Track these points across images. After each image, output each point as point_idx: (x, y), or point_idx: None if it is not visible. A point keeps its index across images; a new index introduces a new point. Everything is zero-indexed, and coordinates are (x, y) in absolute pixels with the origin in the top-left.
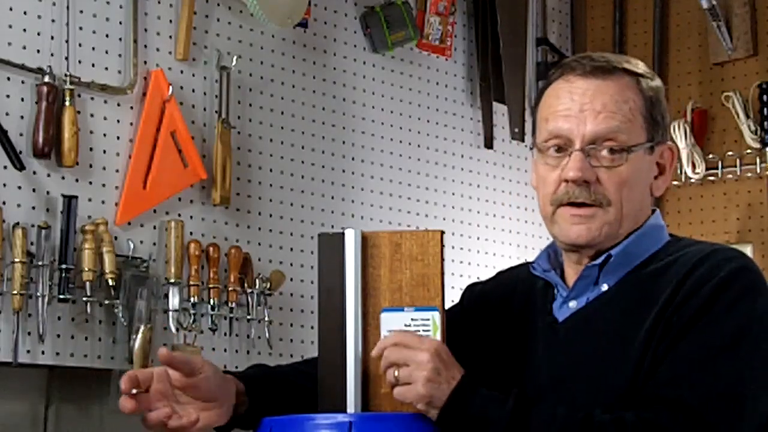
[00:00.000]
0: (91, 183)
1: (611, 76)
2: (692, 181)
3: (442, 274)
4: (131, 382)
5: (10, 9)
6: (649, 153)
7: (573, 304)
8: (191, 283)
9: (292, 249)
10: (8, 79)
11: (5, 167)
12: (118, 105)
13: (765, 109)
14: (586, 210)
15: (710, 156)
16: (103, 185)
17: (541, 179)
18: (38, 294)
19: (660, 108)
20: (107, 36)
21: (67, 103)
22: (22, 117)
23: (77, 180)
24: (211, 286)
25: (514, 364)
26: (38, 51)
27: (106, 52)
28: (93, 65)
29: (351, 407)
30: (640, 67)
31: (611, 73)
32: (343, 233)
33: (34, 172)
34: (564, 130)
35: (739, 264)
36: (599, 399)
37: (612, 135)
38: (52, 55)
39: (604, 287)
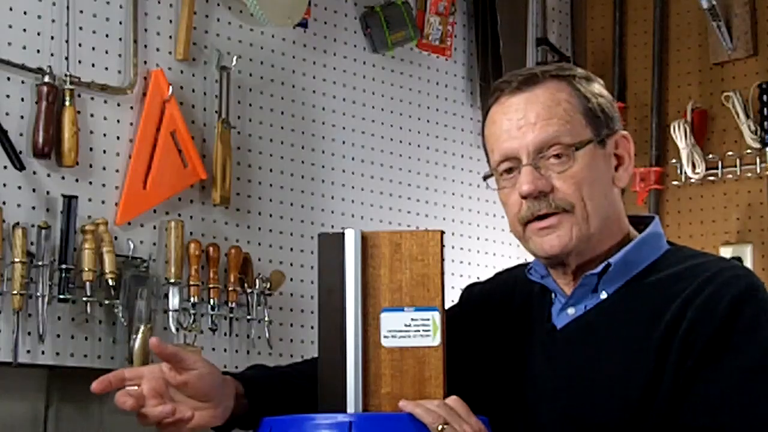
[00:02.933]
0: (91, 183)
1: (538, 85)
2: (692, 181)
3: (442, 274)
4: (102, 383)
5: (10, 9)
6: (600, 147)
7: (571, 311)
8: (191, 283)
9: (292, 249)
10: (8, 79)
11: (5, 167)
12: (118, 105)
13: (765, 109)
14: (551, 219)
15: (710, 156)
16: (103, 185)
17: (504, 204)
18: (38, 294)
19: (599, 102)
20: (107, 36)
21: (67, 103)
22: (22, 117)
23: (77, 180)
24: (211, 286)
25: (513, 369)
26: (38, 51)
27: (106, 52)
28: (93, 65)
29: (351, 407)
30: (575, 71)
31: (537, 82)
32: (343, 233)
33: (34, 172)
34: (509, 150)
35: (749, 282)
36: (603, 406)
37: (553, 140)
38: (52, 55)
39: (603, 295)
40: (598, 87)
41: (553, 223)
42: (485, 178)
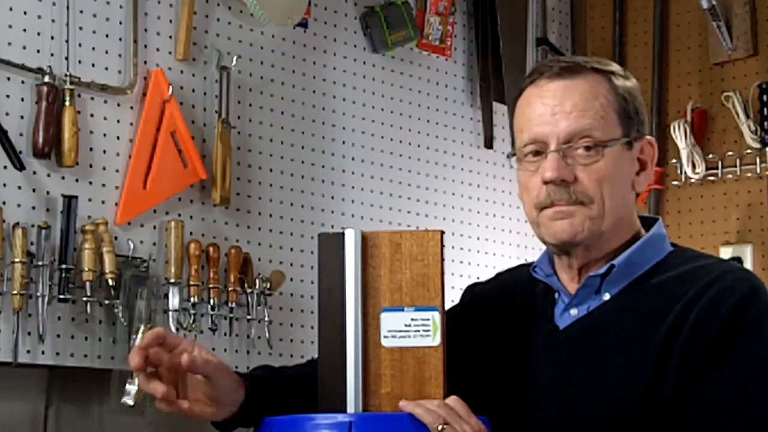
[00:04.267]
0: (91, 183)
1: (579, 75)
2: (692, 181)
3: (442, 274)
4: (140, 355)
5: (10, 9)
6: (627, 148)
7: (574, 312)
8: (191, 283)
9: (292, 249)
10: (8, 79)
11: (5, 167)
12: (118, 105)
13: (765, 109)
14: (569, 207)
15: (710, 156)
16: (103, 185)
17: (524, 186)
18: (38, 294)
19: (634, 104)
20: (107, 36)
21: (67, 103)
22: (22, 117)
23: (77, 180)
24: (211, 286)
25: (514, 369)
26: (38, 51)
27: (106, 52)
28: (93, 65)
29: (351, 407)
30: (612, 66)
31: (579, 72)
32: (343, 233)
33: (34, 172)
34: (539, 134)
35: (751, 284)
36: (604, 408)
37: (585, 132)
38: (52, 55)
39: (606, 296)
40: (635, 88)
41: (570, 210)
42: (509, 156)
